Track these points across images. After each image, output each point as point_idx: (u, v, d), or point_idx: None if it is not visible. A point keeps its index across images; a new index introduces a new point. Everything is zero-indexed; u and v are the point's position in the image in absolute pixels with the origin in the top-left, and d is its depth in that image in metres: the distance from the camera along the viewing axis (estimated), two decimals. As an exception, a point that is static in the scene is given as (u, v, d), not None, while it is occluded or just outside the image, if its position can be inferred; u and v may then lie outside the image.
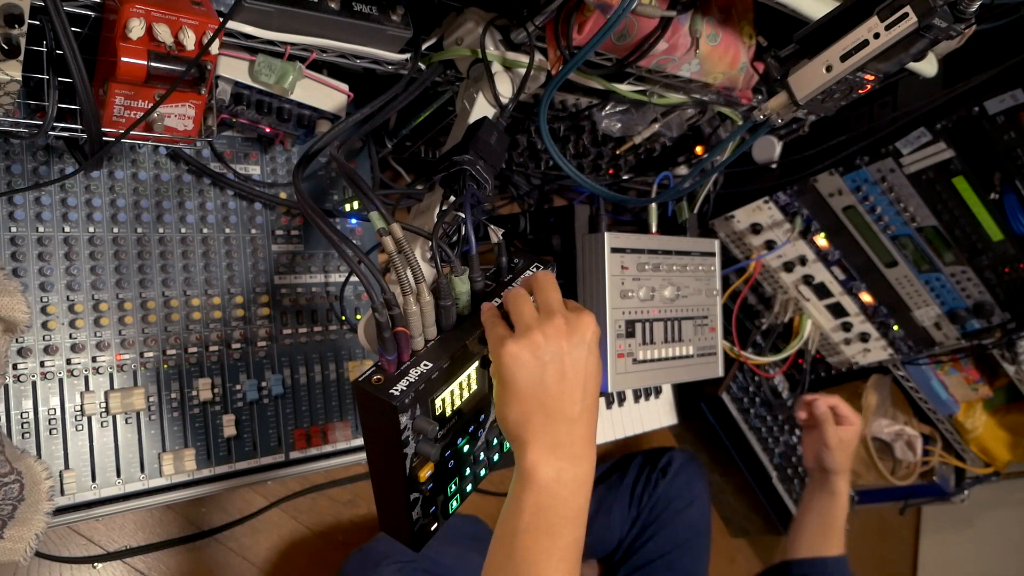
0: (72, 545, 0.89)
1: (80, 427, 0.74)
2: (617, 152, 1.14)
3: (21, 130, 0.64)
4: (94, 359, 0.76)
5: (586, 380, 0.56)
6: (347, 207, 0.94)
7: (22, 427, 0.71)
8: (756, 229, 1.21)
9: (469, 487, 0.67)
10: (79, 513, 0.73)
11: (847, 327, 1.29)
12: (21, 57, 0.55)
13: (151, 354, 0.79)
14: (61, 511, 0.72)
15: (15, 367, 0.72)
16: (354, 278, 0.90)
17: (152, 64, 0.59)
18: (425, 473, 0.58)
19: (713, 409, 1.36)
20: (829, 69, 0.63)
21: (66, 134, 0.65)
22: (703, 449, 1.53)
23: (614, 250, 0.96)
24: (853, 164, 1.07)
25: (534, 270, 0.68)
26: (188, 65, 0.61)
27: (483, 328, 0.59)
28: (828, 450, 0.98)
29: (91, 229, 0.77)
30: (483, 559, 0.60)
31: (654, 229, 1.07)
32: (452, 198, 0.69)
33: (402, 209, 1.08)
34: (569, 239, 1.01)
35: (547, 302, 0.57)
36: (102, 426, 0.75)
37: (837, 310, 1.27)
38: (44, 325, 0.74)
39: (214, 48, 0.61)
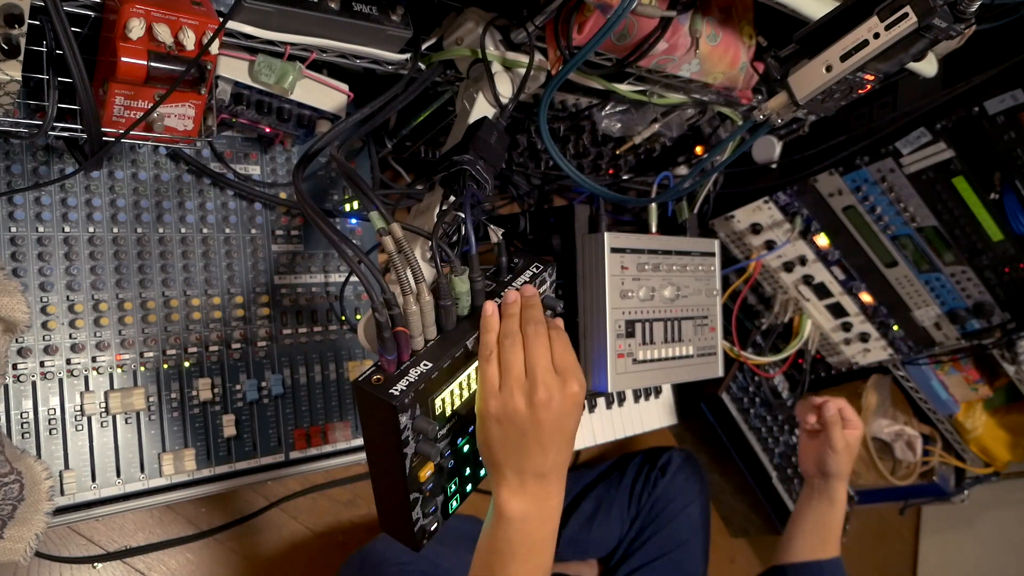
0: (72, 545, 0.89)
1: (80, 427, 0.74)
2: (617, 152, 1.14)
3: (21, 130, 0.64)
4: (94, 359, 0.76)
5: (560, 442, 0.59)
6: (347, 207, 0.94)
7: (22, 427, 0.71)
8: (756, 229, 1.21)
9: (469, 487, 0.67)
10: (79, 513, 0.73)
11: (847, 327, 1.29)
12: (21, 57, 0.55)
13: (151, 354, 0.79)
14: (61, 511, 0.72)
15: (15, 367, 0.72)
16: (354, 278, 0.90)
17: (152, 64, 0.59)
18: (425, 473, 0.58)
19: (713, 409, 1.36)
20: (829, 69, 0.63)
21: (66, 134, 0.65)
22: (703, 449, 1.53)
23: (614, 250, 0.96)
24: (853, 164, 1.07)
25: (534, 270, 0.68)
26: (188, 65, 0.61)
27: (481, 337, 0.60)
28: (834, 454, 0.97)
29: (91, 229, 0.77)
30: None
31: (654, 229, 1.07)
32: (452, 198, 0.69)
33: (402, 209, 1.08)
34: (569, 239, 1.01)
35: (533, 368, 0.58)
36: (102, 426, 0.75)
37: (837, 310, 1.27)
38: (44, 325, 0.74)
39: (214, 48, 0.61)
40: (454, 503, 0.65)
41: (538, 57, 0.76)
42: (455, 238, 0.65)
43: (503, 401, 0.57)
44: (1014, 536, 1.68)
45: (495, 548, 0.59)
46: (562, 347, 0.60)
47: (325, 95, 0.79)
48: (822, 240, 1.19)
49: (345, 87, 0.80)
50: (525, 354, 0.59)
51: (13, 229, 0.73)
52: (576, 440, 0.62)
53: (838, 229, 1.16)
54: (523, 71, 0.76)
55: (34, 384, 0.73)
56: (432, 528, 0.63)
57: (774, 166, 1.18)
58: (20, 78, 0.56)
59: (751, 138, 0.82)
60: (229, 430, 0.82)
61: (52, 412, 0.73)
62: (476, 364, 0.61)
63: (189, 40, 0.60)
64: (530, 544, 0.59)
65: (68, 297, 0.75)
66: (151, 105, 0.62)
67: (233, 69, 0.72)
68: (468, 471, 0.66)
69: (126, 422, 0.77)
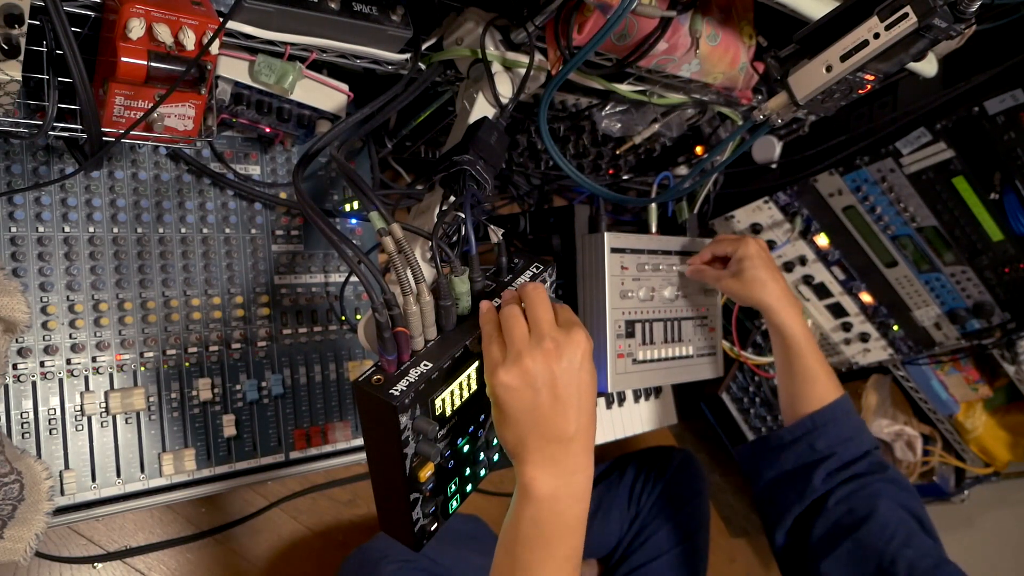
0: (72, 545, 0.89)
1: (80, 427, 0.74)
2: (617, 152, 1.14)
3: (21, 130, 0.64)
4: (94, 359, 0.76)
5: (579, 398, 0.56)
6: (347, 207, 0.95)
7: (22, 427, 0.71)
8: (756, 229, 1.21)
9: (469, 487, 0.67)
10: (79, 513, 0.73)
11: (847, 327, 1.29)
12: (21, 57, 0.55)
13: (151, 354, 0.79)
14: (61, 511, 0.72)
15: (15, 367, 0.72)
16: (354, 278, 0.90)
17: (152, 64, 0.59)
18: (425, 473, 0.58)
19: (713, 409, 1.36)
20: (829, 69, 0.63)
21: (66, 134, 0.65)
22: (703, 449, 1.53)
23: (614, 250, 0.96)
24: (853, 164, 1.07)
25: (534, 270, 0.68)
26: (188, 65, 0.61)
27: (481, 331, 0.59)
28: (730, 296, 0.96)
29: (91, 229, 0.77)
30: (482, 559, 0.60)
31: (654, 229, 1.07)
32: (452, 198, 0.69)
33: (402, 209, 1.08)
34: (569, 239, 1.01)
35: (537, 322, 0.57)
36: (102, 426, 0.75)
37: (837, 310, 1.27)
38: (44, 325, 0.74)
39: (214, 48, 0.61)
40: (454, 503, 0.65)
41: (538, 57, 0.76)
42: (455, 238, 0.65)
43: (511, 365, 0.55)
44: (1014, 536, 1.68)
45: (521, 536, 0.56)
46: (564, 309, 0.59)
47: (325, 95, 0.79)
48: (822, 240, 1.19)
49: (345, 87, 0.80)
50: (527, 317, 0.57)
51: (13, 229, 0.73)
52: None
53: (838, 229, 1.16)
54: (523, 71, 0.76)
55: (34, 384, 0.73)
56: (432, 528, 0.63)
57: (774, 166, 1.18)
58: (20, 78, 0.56)
59: (751, 138, 0.82)
60: (229, 430, 0.82)
61: (52, 412, 0.73)
62: (476, 364, 0.61)
63: (189, 40, 0.60)
64: (561, 526, 0.55)
65: (68, 297, 0.75)
66: (151, 105, 0.62)
67: (233, 69, 0.72)
68: (468, 471, 0.66)
69: (126, 422, 0.77)
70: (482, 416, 0.65)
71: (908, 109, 1.04)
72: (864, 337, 1.29)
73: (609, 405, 1.15)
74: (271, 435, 0.85)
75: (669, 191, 0.99)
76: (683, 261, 1.05)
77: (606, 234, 0.95)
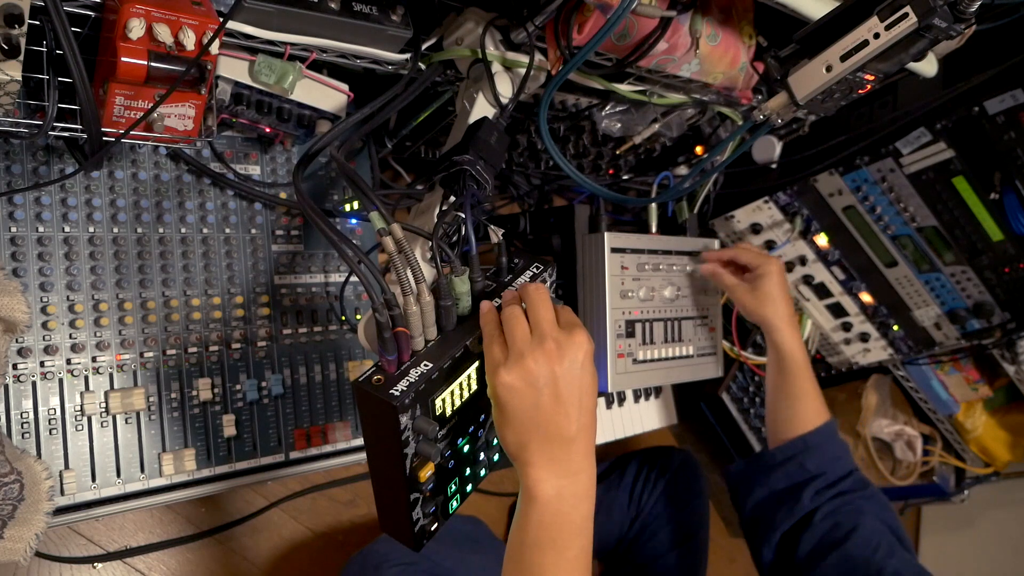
0: (72, 545, 0.89)
1: (80, 427, 0.74)
2: (617, 152, 1.14)
3: (21, 130, 0.64)
4: (94, 359, 0.76)
5: (581, 398, 0.57)
6: (347, 207, 0.95)
7: (22, 427, 0.71)
8: (756, 229, 1.21)
9: (469, 487, 0.67)
10: (79, 513, 0.73)
11: (847, 327, 1.29)
12: (21, 57, 0.55)
13: (151, 354, 0.79)
14: (61, 511, 0.72)
15: (15, 367, 0.72)
16: (354, 278, 0.90)
17: (152, 64, 0.59)
18: (425, 473, 0.58)
19: (713, 409, 1.36)
20: (829, 69, 0.63)
21: (66, 134, 0.65)
22: (703, 449, 1.53)
23: (614, 250, 0.96)
24: (853, 164, 1.07)
25: (534, 270, 0.68)
26: (188, 65, 0.61)
27: (482, 331, 0.59)
28: (738, 305, 0.97)
29: (91, 229, 0.77)
30: (482, 559, 0.60)
31: (654, 229, 1.07)
32: (452, 198, 0.69)
33: (402, 209, 1.08)
34: (569, 239, 1.01)
35: (538, 323, 0.57)
36: (102, 426, 0.75)
37: (837, 310, 1.27)
38: (44, 325, 0.74)
39: (214, 48, 0.61)
40: (454, 503, 0.65)
41: (538, 57, 0.76)
42: (455, 238, 0.65)
43: (512, 365, 0.55)
44: (1014, 536, 1.68)
45: (528, 540, 0.56)
46: (566, 310, 0.60)
47: (325, 95, 0.79)
48: (822, 240, 1.19)
49: (345, 87, 0.80)
50: (528, 317, 0.57)
51: (13, 229, 0.73)
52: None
53: (838, 229, 1.16)
54: (523, 71, 0.76)
55: (34, 384, 0.73)
56: (432, 528, 0.63)
57: (774, 166, 1.18)
58: (20, 78, 0.56)
59: (751, 138, 0.82)
60: (229, 430, 0.82)
61: (52, 412, 0.73)
62: (477, 364, 0.61)
63: (189, 40, 0.60)
64: (568, 527, 0.56)
65: (68, 297, 0.75)
66: (151, 105, 0.62)
67: (233, 69, 0.72)
68: (468, 471, 0.66)
69: (126, 422, 0.77)
70: (482, 416, 0.65)
71: (908, 109, 1.04)
72: (864, 337, 1.29)
73: (609, 405, 1.15)
74: (271, 435, 0.85)
75: (669, 191, 0.99)
76: (683, 261, 1.05)
77: (606, 234, 0.95)
